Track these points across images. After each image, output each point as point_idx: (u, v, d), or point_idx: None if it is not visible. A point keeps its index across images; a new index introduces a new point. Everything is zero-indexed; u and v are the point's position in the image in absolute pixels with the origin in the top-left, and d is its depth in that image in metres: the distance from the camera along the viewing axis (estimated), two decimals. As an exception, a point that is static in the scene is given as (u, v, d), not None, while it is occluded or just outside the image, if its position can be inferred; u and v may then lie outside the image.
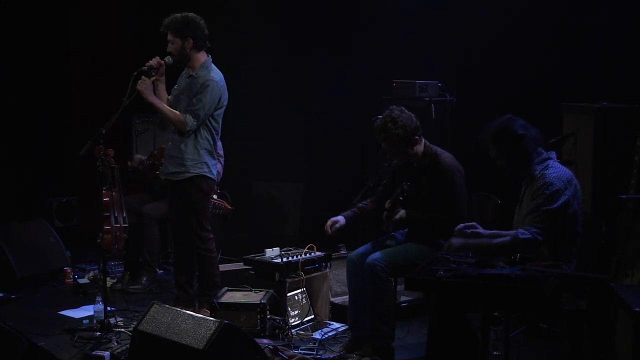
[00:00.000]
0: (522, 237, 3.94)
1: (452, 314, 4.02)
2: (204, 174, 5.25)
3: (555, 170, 4.09)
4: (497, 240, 4.05)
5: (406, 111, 4.74)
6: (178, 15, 5.20)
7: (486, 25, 6.45)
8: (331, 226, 4.90)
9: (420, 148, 4.78)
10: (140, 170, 6.42)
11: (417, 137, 4.72)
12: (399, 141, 4.68)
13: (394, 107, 4.76)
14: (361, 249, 4.90)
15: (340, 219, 4.94)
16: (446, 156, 4.76)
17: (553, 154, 4.24)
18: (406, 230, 4.95)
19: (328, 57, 7.43)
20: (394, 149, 4.76)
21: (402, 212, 4.70)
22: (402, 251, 4.69)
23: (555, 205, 3.97)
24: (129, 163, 6.45)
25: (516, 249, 3.94)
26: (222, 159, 5.85)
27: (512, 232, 4.02)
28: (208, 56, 5.30)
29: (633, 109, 5.33)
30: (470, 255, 4.12)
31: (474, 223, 4.28)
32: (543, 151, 4.20)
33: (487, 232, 4.30)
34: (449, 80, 6.37)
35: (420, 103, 6.02)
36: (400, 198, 4.64)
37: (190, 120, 5.13)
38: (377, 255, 4.65)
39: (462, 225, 4.22)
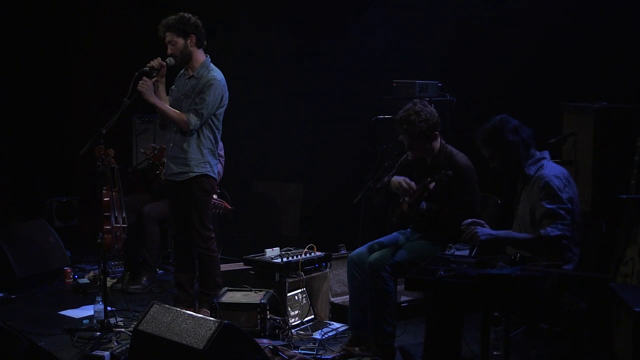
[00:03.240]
0: (552, 234, 3.95)
1: (449, 315, 4.03)
2: (207, 173, 5.26)
3: (552, 169, 4.14)
4: (523, 235, 4.08)
5: (429, 105, 4.79)
6: (173, 16, 5.20)
7: (486, 25, 6.45)
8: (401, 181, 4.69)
9: (436, 144, 4.79)
10: (149, 161, 6.40)
11: (436, 132, 4.75)
12: (420, 134, 4.69)
13: (417, 100, 4.81)
14: (362, 249, 4.90)
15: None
16: (461, 156, 4.78)
17: (546, 154, 4.26)
18: (408, 230, 4.96)
19: (328, 57, 7.42)
20: (413, 142, 4.75)
21: (423, 204, 4.66)
22: (405, 251, 4.69)
23: (565, 202, 4.01)
24: (142, 150, 6.45)
25: (544, 247, 3.95)
26: (222, 159, 5.85)
27: (540, 231, 4.01)
28: (207, 56, 5.30)
29: (633, 109, 5.33)
30: (473, 253, 4.13)
31: (482, 221, 4.28)
32: (536, 151, 4.21)
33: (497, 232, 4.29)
34: (449, 80, 6.37)
35: (420, 103, 6.02)
36: (430, 186, 4.53)
37: (193, 119, 5.14)
38: (379, 254, 4.65)
39: (469, 220, 4.23)
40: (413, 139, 4.74)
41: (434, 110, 4.79)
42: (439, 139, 4.81)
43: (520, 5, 6.30)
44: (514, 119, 4.23)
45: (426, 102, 4.82)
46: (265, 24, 7.82)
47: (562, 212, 3.99)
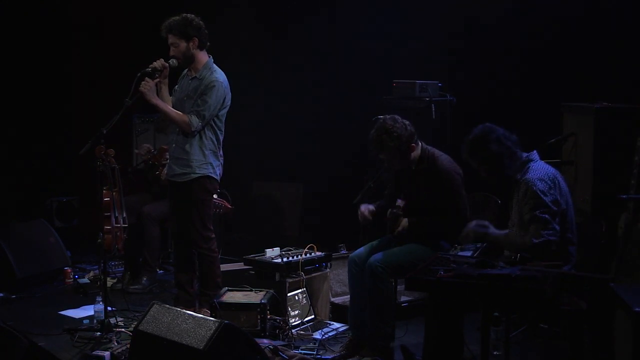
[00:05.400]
0: (536, 242, 3.98)
1: (448, 317, 4.03)
2: (209, 174, 5.26)
3: (536, 172, 4.12)
4: (516, 239, 4.09)
5: (399, 119, 4.69)
6: (177, 17, 5.18)
7: (486, 25, 6.46)
8: (364, 212, 4.86)
9: (417, 153, 4.76)
10: (146, 160, 6.38)
11: (413, 144, 4.71)
12: (395, 151, 4.66)
13: (387, 117, 4.72)
14: (362, 249, 4.90)
15: (369, 206, 4.91)
16: (444, 159, 4.74)
17: (534, 155, 4.24)
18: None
19: (328, 57, 7.43)
20: (391, 159, 4.74)
21: (404, 222, 4.73)
22: (404, 252, 4.69)
23: (549, 205, 4.00)
24: (136, 150, 6.42)
25: (532, 253, 3.96)
26: (221, 159, 5.85)
27: (527, 239, 4.05)
28: (209, 57, 5.29)
29: (633, 109, 5.33)
30: (474, 253, 4.14)
31: (486, 222, 4.28)
32: (522, 154, 4.20)
33: (498, 231, 4.30)
34: (449, 80, 6.37)
35: (420, 103, 6.02)
36: (400, 213, 4.71)
37: (195, 121, 5.13)
38: (378, 256, 4.65)
39: (474, 222, 4.23)
40: (390, 157, 4.72)
41: (407, 123, 4.69)
42: (420, 146, 4.76)
43: (520, 6, 6.30)
44: (498, 127, 4.21)
45: (396, 117, 4.70)
46: (266, 24, 7.82)
47: (546, 217, 3.99)
